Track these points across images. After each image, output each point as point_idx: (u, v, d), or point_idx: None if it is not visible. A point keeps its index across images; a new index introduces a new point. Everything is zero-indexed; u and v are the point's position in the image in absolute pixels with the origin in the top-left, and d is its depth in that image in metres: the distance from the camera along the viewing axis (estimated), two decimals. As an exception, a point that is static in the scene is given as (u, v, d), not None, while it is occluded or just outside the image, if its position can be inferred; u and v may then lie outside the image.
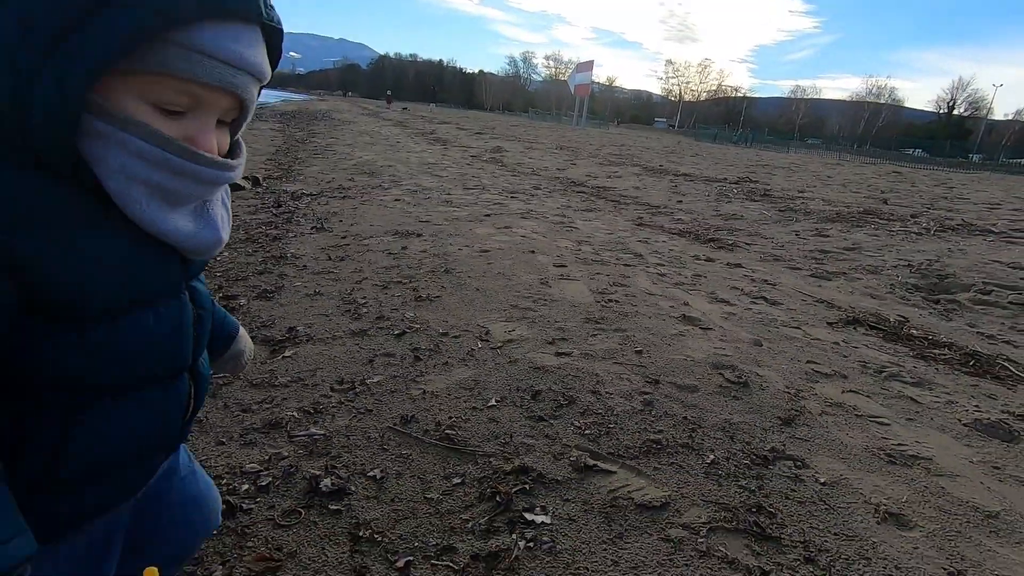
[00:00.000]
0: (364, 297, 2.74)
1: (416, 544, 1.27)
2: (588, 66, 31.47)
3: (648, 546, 1.26)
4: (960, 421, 1.90)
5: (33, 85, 0.49)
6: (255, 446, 1.62)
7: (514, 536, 1.29)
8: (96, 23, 0.49)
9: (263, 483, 1.46)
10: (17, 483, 0.55)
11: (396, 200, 5.42)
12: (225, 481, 1.46)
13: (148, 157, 0.55)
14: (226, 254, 3.53)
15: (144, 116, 0.55)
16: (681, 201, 6.36)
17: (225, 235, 0.67)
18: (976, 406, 2.01)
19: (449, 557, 1.24)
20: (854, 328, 2.73)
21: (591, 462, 1.54)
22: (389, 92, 61.97)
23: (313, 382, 1.96)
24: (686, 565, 1.21)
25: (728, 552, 1.25)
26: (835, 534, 1.32)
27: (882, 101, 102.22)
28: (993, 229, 5.09)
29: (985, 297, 3.25)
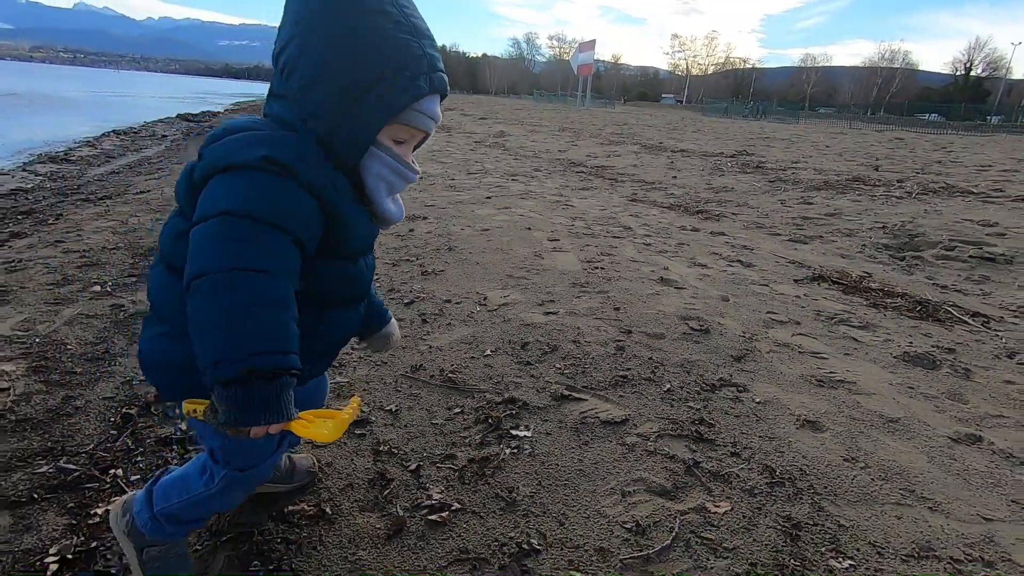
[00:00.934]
0: (377, 274, 3.09)
1: (424, 454, 1.62)
2: (590, 46, 31.32)
3: (607, 449, 1.60)
4: (891, 355, 2.20)
5: (340, 128, 0.91)
6: (292, 392, 1.98)
7: (501, 446, 1.63)
8: (386, 99, 0.90)
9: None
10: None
11: (403, 187, 5.75)
12: (271, 417, 1.82)
13: (392, 168, 0.97)
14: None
15: (389, 144, 0.96)
16: (676, 176, 6.61)
17: (401, 211, 1.08)
18: (910, 343, 2.31)
19: (450, 462, 1.58)
20: (818, 284, 3.02)
21: (567, 393, 1.87)
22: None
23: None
24: (636, 460, 1.55)
25: (670, 451, 1.58)
26: (759, 436, 1.64)
27: (896, 66, 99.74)
28: (973, 190, 5.29)
29: (948, 253, 3.51)
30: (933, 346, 2.28)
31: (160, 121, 16.21)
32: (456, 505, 1.40)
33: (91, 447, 1.72)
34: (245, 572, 1.24)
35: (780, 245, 3.79)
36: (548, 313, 2.51)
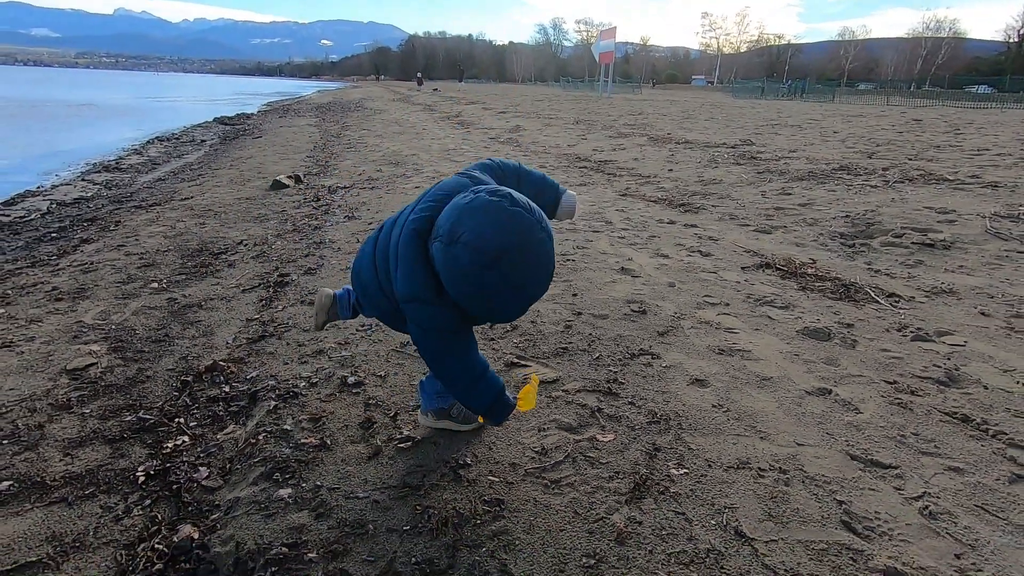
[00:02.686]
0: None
1: (401, 406, 2.16)
2: (611, 33, 31.27)
3: (538, 400, 2.11)
4: (795, 329, 2.64)
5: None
6: (307, 364, 2.56)
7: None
8: (506, 313, 1.43)
9: (313, 381, 2.39)
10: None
11: (416, 188, 6.31)
12: (291, 382, 2.39)
13: None
14: (278, 243, 4.52)
15: None
16: (672, 170, 6.98)
17: None
18: (817, 320, 2.74)
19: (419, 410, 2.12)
20: (763, 270, 3.44)
21: (516, 360, 2.39)
22: (419, 73, 62.74)
23: (344, 327, 2.88)
24: (556, 408, 2.06)
25: (583, 401, 2.08)
26: (655, 391, 2.13)
27: (942, 35, 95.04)
28: (949, 177, 5.52)
29: (895, 239, 3.86)
30: (836, 322, 2.71)
31: (198, 126, 17.20)
32: (418, 437, 1.94)
33: (160, 403, 2.33)
34: (271, 482, 1.81)
35: (744, 235, 4.19)
36: (517, 299, 3.02)
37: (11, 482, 1.87)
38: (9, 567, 1.55)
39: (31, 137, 13.44)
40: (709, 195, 5.52)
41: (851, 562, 1.36)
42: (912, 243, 3.76)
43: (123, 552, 1.62)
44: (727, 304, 2.94)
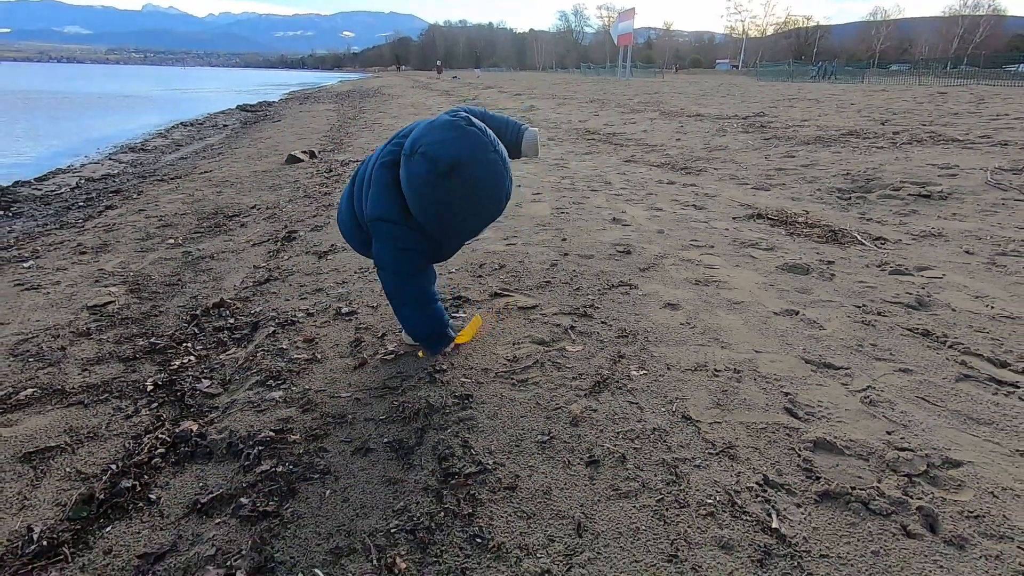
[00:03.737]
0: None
1: (389, 328, 2.30)
2: (629, 15, 30.83)
3: (515, 322, 2.23)
4: (775, 266, 2.71)
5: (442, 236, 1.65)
6: (307, 299, 2.72)
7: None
8: (462, 233, 1.69)
9: (310, 312, 2.54)
10: None
11: (424, 159, 6.44)
12: (290, 313, 2.56)
13: None
14: (289, 207, 4.70)
15: None
16: (680, 139, 6.98)
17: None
18: (799, 258, 2.79)
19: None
20: (753, 220, 3.49)
21: (499, 291, 2.52)
22: (439, 62, 62.80)
23: (344, 270, 3.03)
24: (531, 327, 2.17)
25: (558, 322, 2.20)
26: (627, 313, 2.23)
27: (980, 13, 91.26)
28: (959, 138, 5.43)
29: (892, 192, 3.85)
30: (817, 260, 2.76)
31: (221, 112, 17.61)
32: (401, 352, 2.08)
33: (171, 332, 2.52)
34: (265, 387, 1.97)
35: (741, 192, 4.23)
36: (509, 244, 3.14)
37: (34, 389, 2.07)
38: (32, 449, 1.74)
39: (63, 125, 13.97)
40: (713, 160, 5.53)
41: (786, 437, 1.45)
42: (908, 195, 3.76)
43: (131, 441, 1.80)
44: (712, 247, 3.01)
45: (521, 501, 1.31)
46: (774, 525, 1.17)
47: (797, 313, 2.18)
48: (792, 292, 2.39)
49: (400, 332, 2.26)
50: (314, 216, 4.32)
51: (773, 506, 1.23)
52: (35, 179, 6.97)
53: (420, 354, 1.88)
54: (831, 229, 3.21)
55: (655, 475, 1.35)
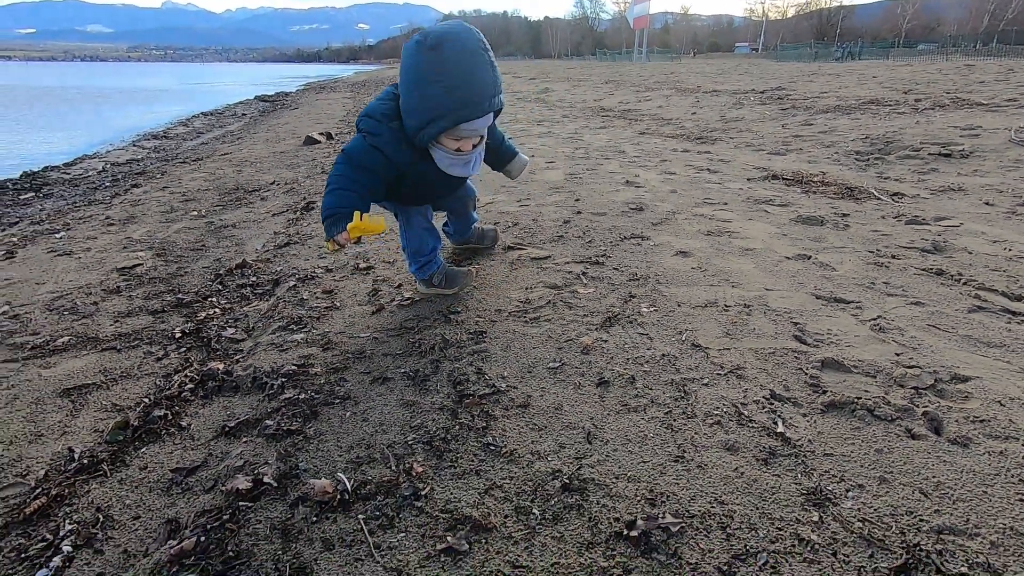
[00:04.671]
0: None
1: (407, 280, 2.36)
2: (646, -4, 30.34)
3: (527, 271, 2.27)
4: (789, 218, 2.70)
5: (420, 133, 1.66)
6: (325, 259, 2.79)
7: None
8: (438, 121, 1.62)
9: (329, 268, 2.61)
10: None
11: (439, 137, 6.49)
12: (310, 270, 2.63)
13: (448, 156, 1.73)
14: (307, 182, 4.78)
15: (446, 143, 1.70)
16: (695, 113, 6.91)
17: (475, 171, 1.85)
18: (813, 211, 2.78)
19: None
20: (768, 180, 3.47)
21: (512, 245, 2.55)
22: (454, 51, 62.44)
23: (360, 232, 3.09)
24: (543, 274, 2.21)
25: (570, 270, 2.23)
26: (639, 261, 2.26)
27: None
28: (983, 102, 5.29)
29: (912, 153, 3.79)
30: (832, 212, 2.75)
31: (240, 102, 17.85)
32: (417, 298, 2.14)
33: (196, 289, 2.61)
34: (287, 331, 2.04)
35: (757, 157, 4.19)
36: (522, 205, 3.17)
37: (70, 337, 2.17)
38: (70, 386, 1.83)
39: (87, 117, 14.30)
40: (728, 130, 5.48)
41: (794, 359, 1.48)
42: (929, 154, 3.69)
43: (161, 379, 1.88)
44: (725, 203, 3.00)
45: (533, 416, 1.35)
46: (779, 430, 1.20)
47: (809, 258, 2.18)
48: (805, 240, 2.39)
49: (415, 282, 2.31)
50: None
51: (779, 415, 1.25)
52: (63, 164, 7.17)
53: (327, 245, 1.77)
54: (847, 186, 3.18)
55: (663, 393, 1.38)
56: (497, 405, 1.41)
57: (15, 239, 3.70)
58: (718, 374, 1.44)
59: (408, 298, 2.15)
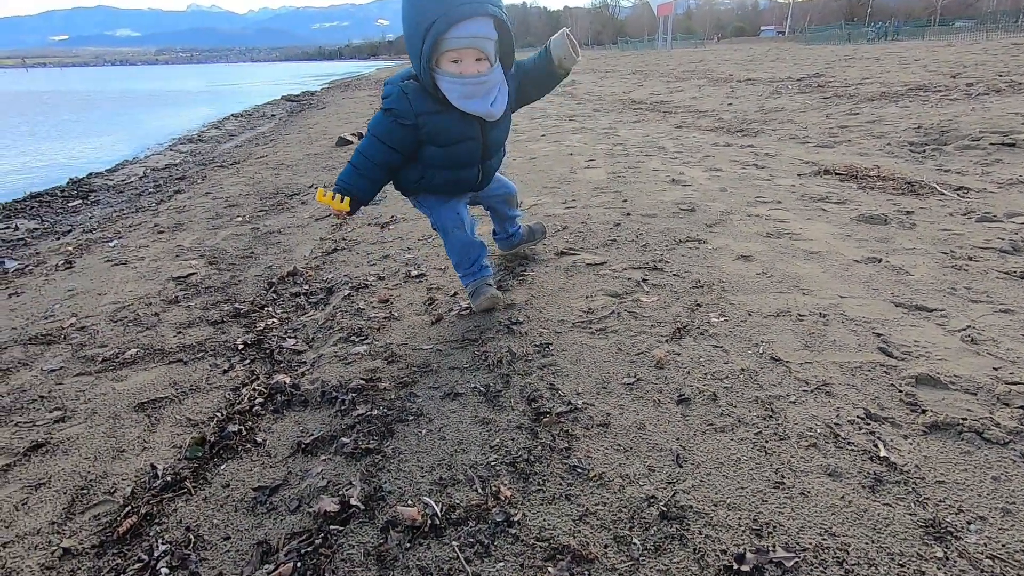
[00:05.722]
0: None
1: (461, 288, 2.35)
2: (670, -18, 29.76)
3: (584, 278, 2.24)
4: (849, 217, 2.61)
5: (417, 67, 1.67)
6: (376, 265, 2.80)
7: (514, 280, 2.32)
8: (425, 44, 1.57)
9: (381, 276, 2.62)
10: (417, 188, 1.90)
11: (471, 135, 6.47)
12: (362, 278, 2.64)
13: (452, 80, 1.63)
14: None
15: (447, 67, 1.63)
16: (731, 104, 6.75)
17: (495, 109, 1.72)
18: (874, 209, 2.68)
19: (477, 291, 2.30)
20: (820, 176, 3.36)
21: (565, 250, 2.52)
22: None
23: (407, 238, 3.10)
24: (602, 282, 2.18)
25: (629, 276, 2.19)
26: (699, 266, 2.21)
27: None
28: (1043, 84, 5.04)
29: (971, 143, 3.63)
30: (895, 210, 2.65)
31: (268, 103, 18.10)
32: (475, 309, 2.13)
33: (252, 298, 2.64)
34: (348, 343, 2.05)
35: (804, 151, 4.07)
36: (568, 207, 3.13)
37: (137, 349, 2.22)
38: (144, 400, 1.87)
39: (124, 120, 14.67)
40: (769, 121, 5.34)
41: (884, 374, 1.42)
42: (990, 144, 3.54)
43: (230, 392, 1.91)
44: (779, 202, 2.92)
45: (616, 436, 1.33)
46: (882, 454, 1.15)
47: (880, 261, 2.10)
48: (872, 241, 2.31)
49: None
50: (370, 192, 4.42)
51: (879, 437, 1.20)
52: (106, 170, 7.36)
53: (319, 197, 1.80)
54: (907, 181, 3.06)
55: (749, 411, 1.34)
56: (576, 424, 1.39)
57: (71, 248, 3.81)
58: (804, 391, 1.39)
59: (466, 308, 2.14)
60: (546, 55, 1.81)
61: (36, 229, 4.74)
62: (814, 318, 1.73)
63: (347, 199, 1.75)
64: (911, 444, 1.18)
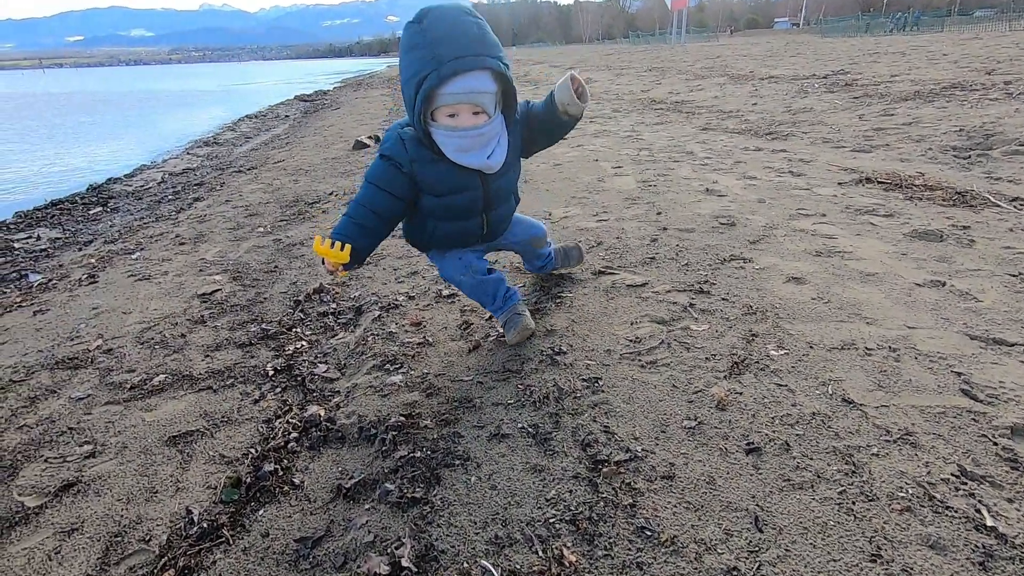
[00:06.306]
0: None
1: (495, 310, 2.26)
2: (684, -24, 29.37)
3: (627, 301, 2.14)
4: (901, 233, 2.48)
5: (413, 119, 1.58)
6: (404, 283, 2.72)
7: (552, 302, 2.23)
8: (418, 98, 1.48)
9: (411, 295, 2.54)
10: (424, 242, 1.85)
11: (490, 138, 6.37)
12: (391, 296, 2.56)
13: (448, 134, 1.55)
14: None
15: (443, 120, 1.54)
16: (756, 103, 6.59)
17: (492, 161, 1.63)
18: (927, 223, 2.55)
19: (513, 314, 2.21)
20: (862, 184, 3.23)
21: (603, 269, 2.42)
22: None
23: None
24: (646, 306, 2.08)
25: (674, 299, 2.09)
26: (749, 289, 2.10)
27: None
28: (1089, 83, 4.84)
29: (1019, 148, 3.47)
30: (949, 225, 2.52)
31: (281, 103, 18.11)
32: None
33: (279, 318, 2.57)
34: (383, 371, 1.97)
35: (840, 156, 3.93)
36: (600, 220, 3.03)
37: (166, 375, 2.16)
38: (175, 433, 1.81)
39: (139, 122, 14.75)
40: (799, 123, 5.18)
41: (972, 422, 1.31)
42: (1041, 149, 3.38)
43: (263, 425, 1.84)
44: (823, 215, 2.80)
45: (683, 491, 1.23)
46: (988, 523, 1.05)
47: (944, 284, 1.98)
48: (930, 261, 2.18)
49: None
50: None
51: (980, 501, 1.10)
52: (125, 175, 7.37)
53: (316, 247, 1.67)
54: (956, 191, 2.92)
55: (828, 464, 1.24)
56: (638, 475, 1.30)
57: (93, 260, 3.78)
58: (886, 440, 1.29)
59: (502, 333, 2.05)
60: (551, 101, 1.73)
61: (58, 239, 4.72)
62: (883, 352, 1.62)
63: (347, 246, 1.63)
64: (1018, 511, 1.07)
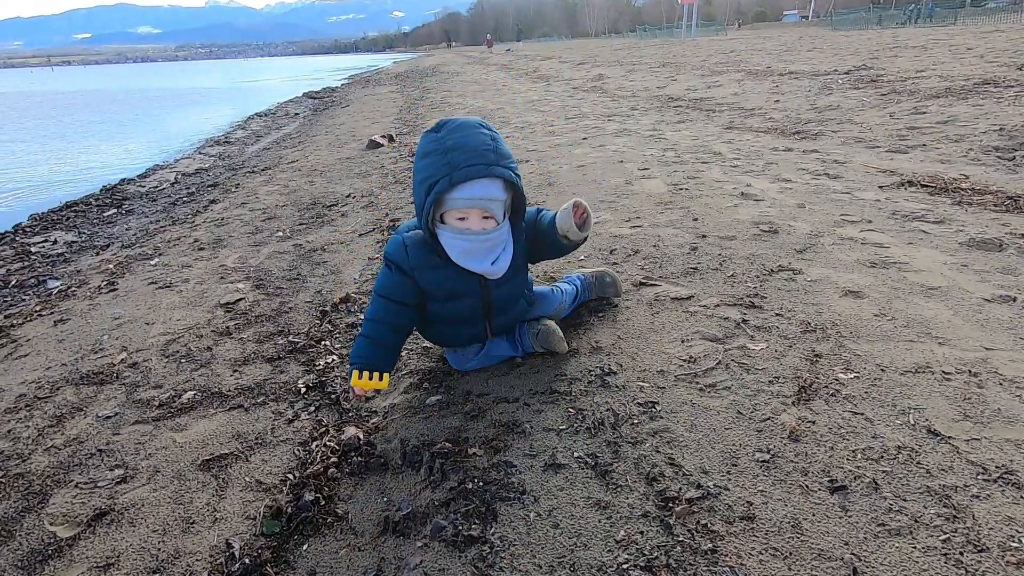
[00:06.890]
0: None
1: (534, 324, 2.17)
2: (695, -31, 29.05)
3: (673, 316, 2.05)
4: (957, 241, 2.37)
5: (425, 211, 1.55)
6: (434, 292, 2.63)
7: (593, 316, 2.13)
8: (436, 187, 1.49)
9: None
10: (436, 343, 1.90)
11: (507, 137, 6.26)
12: (421, 307, 2.47)
13: (455, 237, 1.56)
14: (383, 193, 4.66)
15: (452, 223, 1.56)
16: (779, 101, 6.45)
17: (496, 268, 1.64)
18: (982, 231, 2.44)
19: (553, 328, 2.12)
20: (904, 188, 3.11)
21: (644, 280, 2.33)
22: (489, 35, 62.15)
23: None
24: (695, 321, 1.98)
25: (725, 314, 1.99)
26: (803, 303, 2.00)
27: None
28: None
29: (1067, 148, 3.34)
30: (1006, 233, 2.40)
31: (290, 101, 18.06)
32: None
33: (306, 329, 2.49)
34: (421, 391, 1.89)
35: (875, 157, 3.81)
36: (634, 226, 2.93)
37: (194, 392, 2.09)
38: (208, 457, 1.73)
39: (149, 121, 14.73)
40: (826, 121, 5.05)
41: (1077, 459, 1.21)
42: (1091, 150, 3.24)
43: (299, 448, 1.76)
44: (869, 221, 2.69)
45: (767, 535, 1.14)
46: (1120, 580, 0.95)
47: (1015, 300, 1.88)
48: (994, 273, 2.08)
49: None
50: (410, 202, 4.25)
51: (1106, 554, 1.00)
52: (138, 176, 7.32)
53: (354, 382, 1.70)
54: (1008, 196, 2.80)
55: (926, 508, 1.14)
56: (714, 515, 1.21)
57: (111, 266, 3.72)
58: (985, 480, 1.19)
59: (544, 351, 1.96)
60: (554, 224, 1.73)
61: (74, 243, 4.67)
62: (963, 377, 1.51)
63: (385, 375, 1.67)
64: None
